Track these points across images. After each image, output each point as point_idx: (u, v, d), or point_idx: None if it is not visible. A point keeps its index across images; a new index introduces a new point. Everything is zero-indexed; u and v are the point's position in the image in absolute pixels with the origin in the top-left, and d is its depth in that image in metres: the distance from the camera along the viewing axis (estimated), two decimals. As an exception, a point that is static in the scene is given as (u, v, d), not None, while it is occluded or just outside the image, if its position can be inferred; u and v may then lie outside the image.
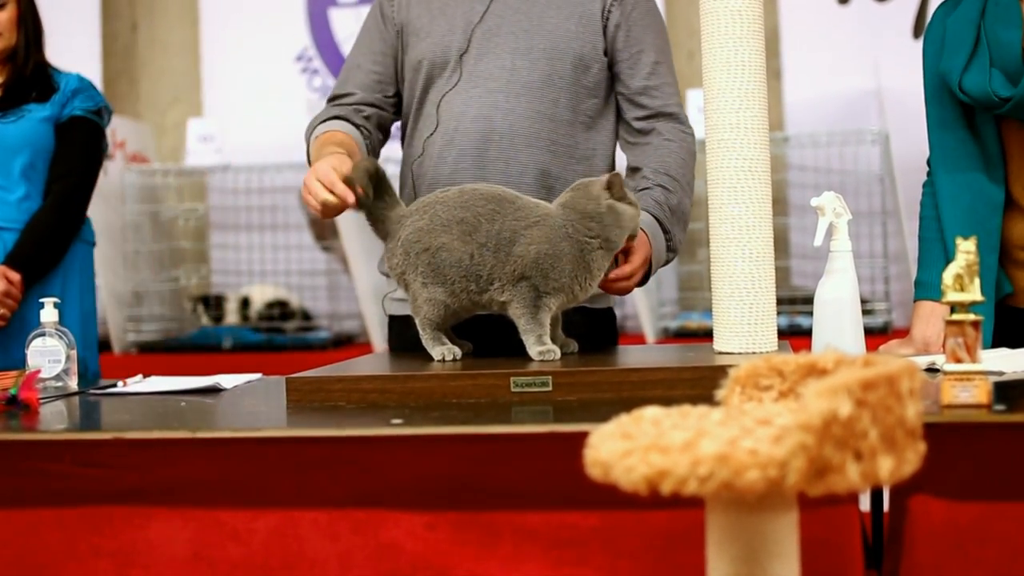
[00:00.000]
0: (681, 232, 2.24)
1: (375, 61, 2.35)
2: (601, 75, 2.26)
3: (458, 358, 2.00)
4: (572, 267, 1.93)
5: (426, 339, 2.02)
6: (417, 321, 2.03)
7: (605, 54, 2.26)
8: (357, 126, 2.32)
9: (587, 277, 1.96)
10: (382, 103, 2.36)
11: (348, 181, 2.00)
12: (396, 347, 2.36)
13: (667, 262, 2.23)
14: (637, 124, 2.28)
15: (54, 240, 2.77)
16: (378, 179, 2.04)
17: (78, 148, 2.81)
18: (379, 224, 2.07)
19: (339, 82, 2.40)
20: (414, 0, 2.33)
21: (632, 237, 1.99)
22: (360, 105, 2.34)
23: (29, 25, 2.82)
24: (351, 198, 1.99)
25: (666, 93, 2.28)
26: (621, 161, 2.34)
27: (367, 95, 2.35)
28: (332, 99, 2.39)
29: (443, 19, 2.28)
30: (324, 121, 2.33)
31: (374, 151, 2.37)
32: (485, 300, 1.98)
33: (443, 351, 1.99)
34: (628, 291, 2.15)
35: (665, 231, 2.19)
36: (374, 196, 2.04)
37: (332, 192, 1.99)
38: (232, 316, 4.52)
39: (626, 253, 2.08)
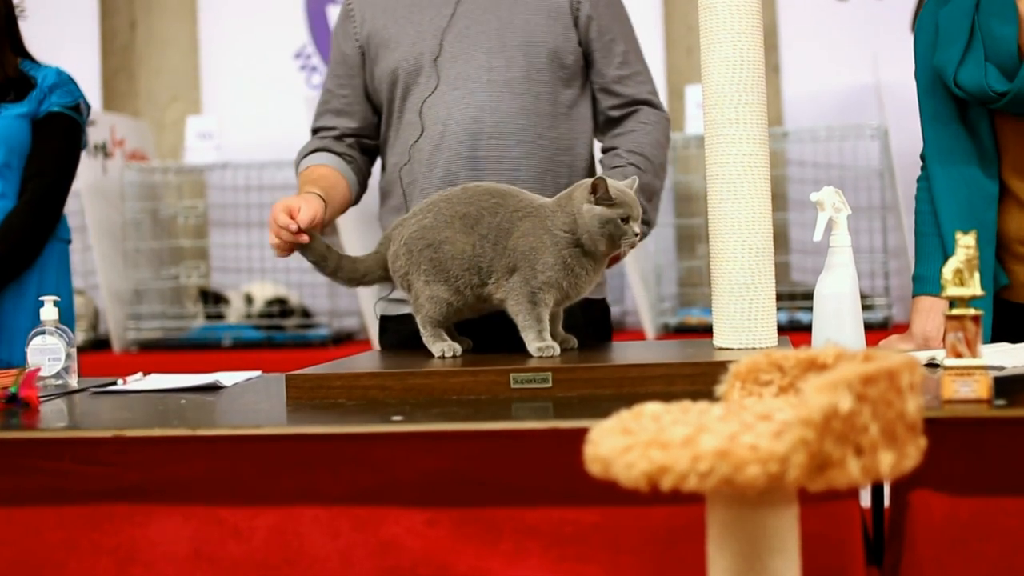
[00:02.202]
0: (653, 208, 2.26)
1: (341, 84, 2.40)
2: (576, 66, 2.30)
3: (458, 355, 2.00)
4: (554, 260, 1.93)
5: (427, 336, 2.02)
6: (418, 319, 2.03)
7: (580, 44, 2.29)
8: (339, 154, 2.38)
9: (570, 275, 1.94)
10: (359, 130, 2.40)
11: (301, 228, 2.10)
12: (389, 348, 2.37)
13: (641, 236, 2.21)
14: (613, 113, 2.32)
15: (29, 240, 2.72)
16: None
17: (54, 145, 2.75)
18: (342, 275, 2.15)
19: (317, 109, 2.45)
20: (378, 11, 2.34)
21: (614, 240, 1.92)
22: (342, 136, 2.40)
23: (3, 25, 2.77)
24: (293, 226, 2.08)
25: (638, 81, 2.32)
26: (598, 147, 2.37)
27: (346, 124, 2.40)
28: (314, 131, 2.44)
29: (411, 26, 2.29)
30: (308, 155, 2.40)
31: (361, 173, 2.43)
32: (486, 294, 1.98)
33: (443, 347, 2.00)
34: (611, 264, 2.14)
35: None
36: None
37: (281, 234, 2.10)
38: (236, 313, 4.51)
39: None
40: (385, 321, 2.39)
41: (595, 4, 2.29)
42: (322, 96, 2.44)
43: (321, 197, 2.20)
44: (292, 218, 2.09)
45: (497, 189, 2.01)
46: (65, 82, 2.78)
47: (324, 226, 2.21)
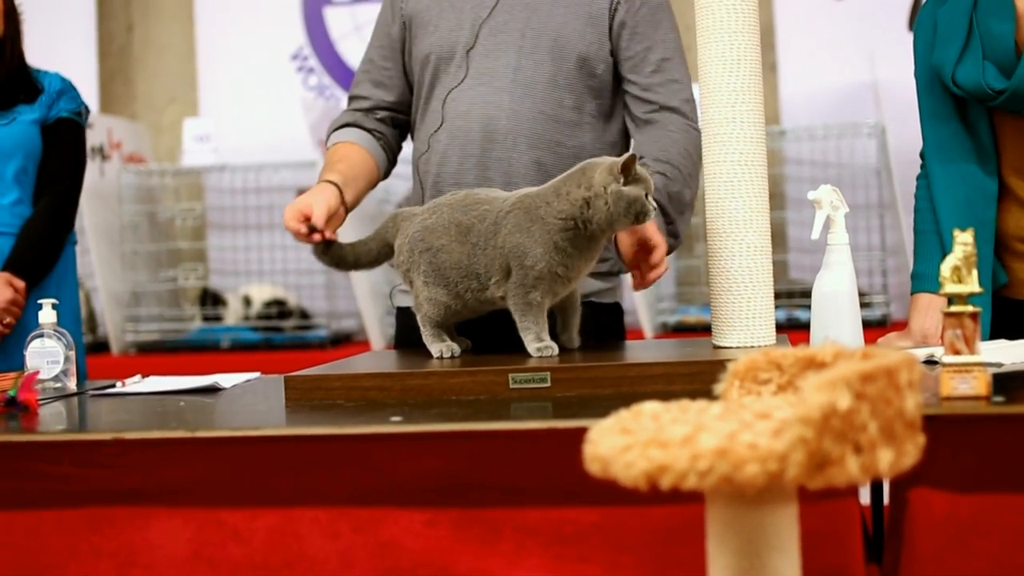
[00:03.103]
0: (683, 221, 2.18)
1: (384, 56, 2.39)
2: (607, 75, 2.24)
3: (456, 355, 2.00)
4: (544, 250, 1.89)
5: (426, 336, 2.02)
6: (419, 318, 2.03)
7: (612, 54, 2.24)
8: (370, 130, 2.37)
9: (564, 258, 1.90)
10: (395, 104, 2.39)
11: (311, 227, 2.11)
12: (403, 339, 2.36)
13: (670, 250, 2.15)
14: (643, 115, 2.25)
15: (51, 244, 2.77)
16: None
17: (67, 151, 2.82)
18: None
19: (356, 78, 2.44)
20: None
21: (639, 218, 1.88)
22: (376, 110, 2.39)
23: (10, 20, 2.79)
24: (304, 230, 2.10)
25: (672, 90, 2.24)
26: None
27: (382, 96, 2.39)
28: (350, 99, 2.44)
29: (452, 12, 2.28)
30: (338, 128, 2.39)
31: (390, 148, 2.41)
32: (488, 297, 1.97)
33: (442, 348, 2.00)
34: (652, 282, 2.07)
35: (666, 216, 2.13)
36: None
37: (299, 239, 2.12)
38: (234, 315, 4.52)
39: (647, 251, 2.03)
40: (400, 313, 2.38)
41: (632, 12, 2.23)
42: (363, 64, 2.42)
43: (336, 185, 2.19)
44: (308, 218, 2.09)
45: (488, 195, 2.00)
46: (69, 88, 2.85)
47: (347, 210, 2.21)
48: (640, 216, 1.88)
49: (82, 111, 2.86)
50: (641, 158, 2.20)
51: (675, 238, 2.18)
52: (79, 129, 2.85)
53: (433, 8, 2.30)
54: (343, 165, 2.27)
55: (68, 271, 2.86)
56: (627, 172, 1.86)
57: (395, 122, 2.41)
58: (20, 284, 2.67)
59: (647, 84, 2.24)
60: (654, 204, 1.90)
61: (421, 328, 2.03)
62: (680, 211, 2.17)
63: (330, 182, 2.20)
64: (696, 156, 2.21)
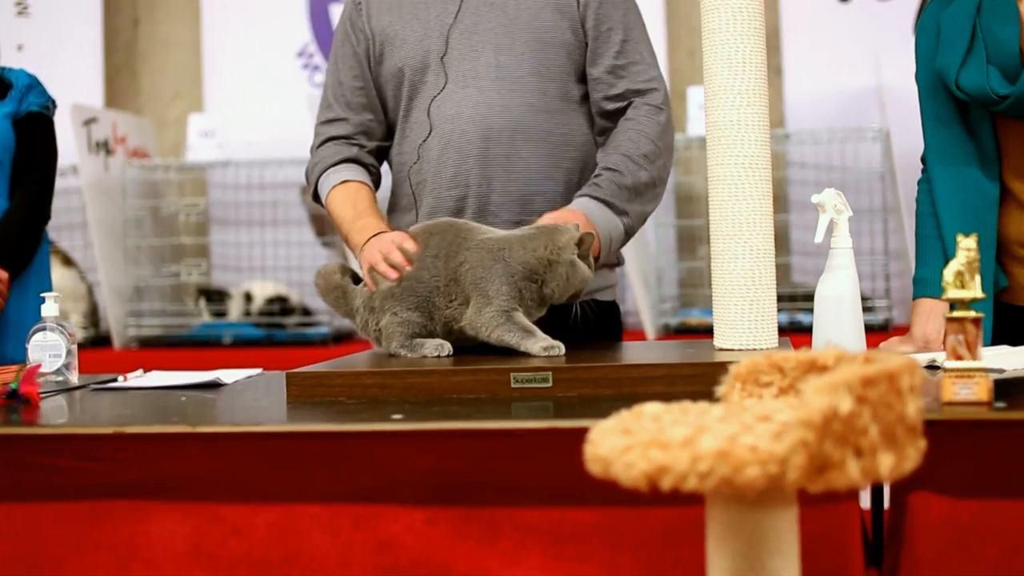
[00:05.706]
0: (635, 204, 2.19)
1: (355, 76, 2.35)
2: (583, 60, 2.26)
3: (451, 353, 1.99)
4: (509, 288, 1.95)
5: (407, 351, 2.01)
6: (392, 347, 2.02)
7: (584, 40, 2.26)
8: (365, 165, 2.35)
9: (520, 300, 1.97)
10: (372, 125, 2.36)
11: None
12: None
13: (626, 238, 2.22)
14: (608, 106, 2.26)
15: (30, 236, 2.81)
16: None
17: (41, 144, 2.86)
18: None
19: (326, 99, 2.39)
20: (384, 8, 2.32)
21: (574, 297, 2.01)
22: (358, 135, 2.35)
23: None
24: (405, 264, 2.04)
25: (633, 72, 2.25)
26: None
27: (359, 117, 2.35)
28: (325, 122, 2.38)
29: (417, 24, 2.28)
30: (334, 165, 2.33)
31: (378, 182, 2.39)
32: (448, 317, 2.00)
33: (434, 345, 1.99)
34: None
35: (613, 208, 2.16)
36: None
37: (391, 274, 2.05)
38: (236, 311, 4.52)
39: None
40: None
41: None
42: (332, 87, 2.37)
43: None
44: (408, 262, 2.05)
45: (445, 219, 2.08)
46: (36, 83, 2.90)
47: None
48: (575, 296, 2.00)
49: (50, 105, 2.90)
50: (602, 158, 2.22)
51: (628, 226, 2.20)
52: (49, 122, 2.89)
53: (397, 23, 2.29)
54: (376, 209, 2.27)
55: (45, 263, 2.89)
56: (580, 245, 1.96)
57: (379, 151, 2.38)
58: (3, 275, 2.68)
59: (610, 67, 2.25)
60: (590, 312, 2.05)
61: (399, 351, 2.02)
62: (630, 196, 2.18)
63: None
64: (650, 134, 2.22)
